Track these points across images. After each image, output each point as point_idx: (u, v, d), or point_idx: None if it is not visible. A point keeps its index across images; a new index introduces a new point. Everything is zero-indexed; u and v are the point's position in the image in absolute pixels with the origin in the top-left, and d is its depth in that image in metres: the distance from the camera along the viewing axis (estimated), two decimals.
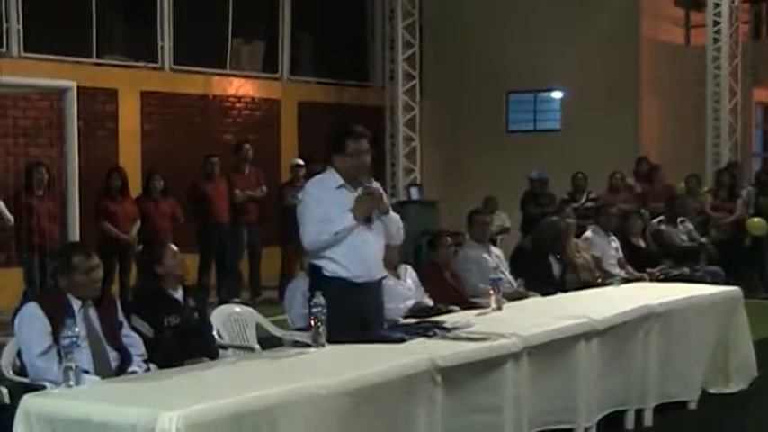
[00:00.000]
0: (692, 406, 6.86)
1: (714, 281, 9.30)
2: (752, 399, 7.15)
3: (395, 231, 5.72)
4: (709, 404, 6.92)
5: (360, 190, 5.51)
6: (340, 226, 5.39)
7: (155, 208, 11.68)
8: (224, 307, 6.76)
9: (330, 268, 5.49)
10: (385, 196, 5.72)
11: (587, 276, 9.10)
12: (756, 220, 12.92)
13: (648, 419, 6.43)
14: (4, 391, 4.94)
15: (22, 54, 12.64)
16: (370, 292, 5.61)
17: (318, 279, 5.47)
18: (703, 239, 11.67)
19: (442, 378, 4.77)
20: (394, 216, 5.70)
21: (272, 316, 7.08)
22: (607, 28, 15.82)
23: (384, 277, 5.81)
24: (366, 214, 5.46)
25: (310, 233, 5.47)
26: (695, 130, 15.52)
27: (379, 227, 5.61)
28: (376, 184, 5.66)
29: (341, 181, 5.53)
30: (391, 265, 6.82)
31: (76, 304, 5.12)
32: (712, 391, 7.10)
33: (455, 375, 4.85)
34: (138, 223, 11.48)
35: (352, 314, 5.36)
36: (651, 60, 16.17)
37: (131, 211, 11.51)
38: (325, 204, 5.44)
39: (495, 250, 8.52)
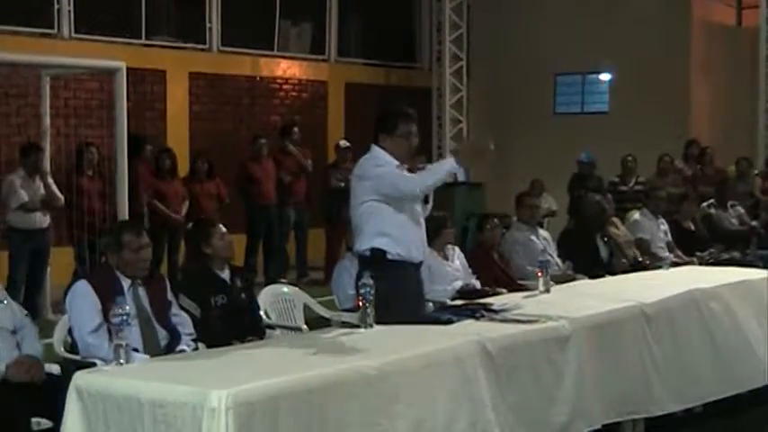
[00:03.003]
0: (745, 393, 6.73)
1: (766, 265, 9.16)
2: None
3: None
4: (762, 391, 6.77)
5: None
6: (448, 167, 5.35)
7: (200, 189, 11.77)
8: (271, 287, 6.79)
9: (394, 251, 5.42)
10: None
11: (632, 253, 9.02)
12: None
13: (699, 406, 6.33)
14: (56, 367, 5.00)
15: (73, 35, 12.74)
16: (419, 271, 5.64)
17: (382, 262, 5.40)
18: (754, 223, 11.51)
19: (490, 360, 4.76)
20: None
21: (319, 297, 7.11)
22: (656, 8, 15.62)
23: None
24: (469, 164, 5.42)
25: (408, 180, 5.40)
26: (747, 112, 15.30)
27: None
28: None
29: (389, 159, 5.51)
30: (442, 246, 6.82)
31: (126, 283, 5.17)
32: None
33: (503, 357, 4.83)
34: (187, 203, 11.58)
35: (414, 294, 5.35)
36: (702, 41, 15.95)
37: (181, 191, 11.60)
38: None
39: (542, 233, 8.47)
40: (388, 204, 5.40)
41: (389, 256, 5.44)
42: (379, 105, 14.43)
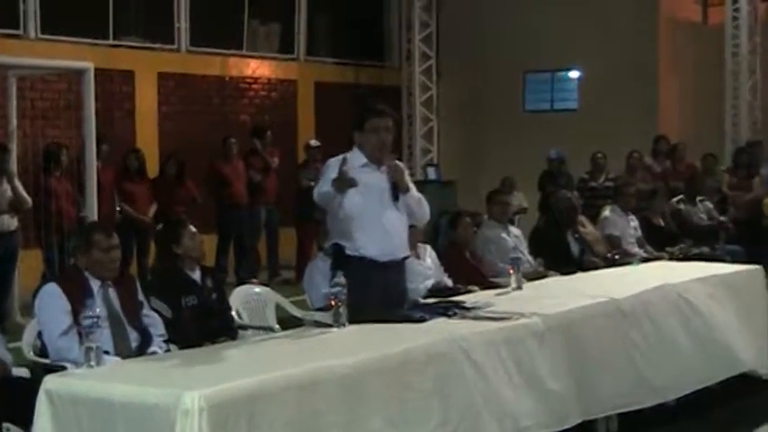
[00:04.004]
0: (715, 385, 6.78)
1: (734, 259, 9.23)
2: None
3: (417, 210, 5.68)
4: (730, 383, 6.85)
5: (383, 168, 5.48)
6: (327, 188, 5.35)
7: (170, 191, 11.71)
8: (243, 287, 6.76)
9: (354, 247, 5.47)
10: (407, 174, 5.68)
11: (602, 249, 9.05)
12: None
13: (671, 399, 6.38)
14: (25, 371, 4.95)
15: (39, 36, 12.63)
16: (393, 271, 5.59)
17: (342, 258, 5.45)
18: (723, 218, 11.60)
19: (464, 357, 4.75)
20: (416, 195, 5.66)
21: (291, 296, 7.08)
22: (624, 6, 15.69)
23: (407, 257, 5.79)
24: (339, 189, 5.36)
25: (318, 187, 5.49)
26: (714, 109, 15.41)
27: (403, 205, 5.58)
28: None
29: (364, 160, 5.50)
30: (413, 245, 6.80)
31: (96, 284, 5.12)
32: (733, 369, 7.01)
33: (476, 355, 4.83)
34: (155, 206, 11.51)
35: (377, 293, 5.35)
36: (669, 39, 16.04)
37: (149, 192, 11.53)
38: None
39: (513, 230, 8.50)
40: (352, 203, 5.39)
41: (349, 252, 5.48)
42: (349, 104, 14.45)
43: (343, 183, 5.30)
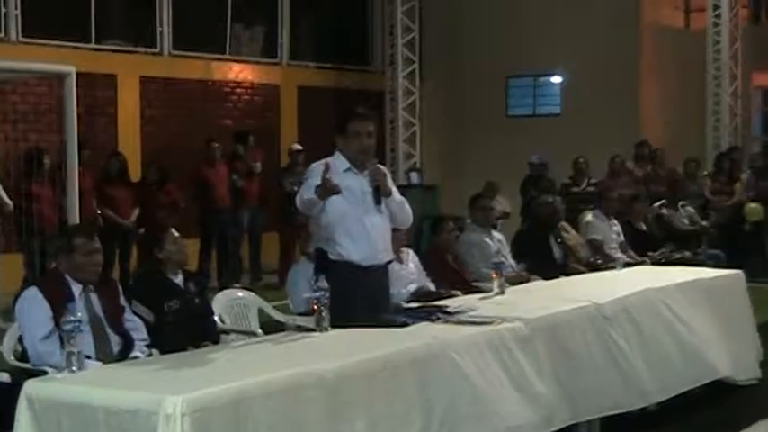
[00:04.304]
0: (697, 390, 6.82)
1: (716, 264, 9.28)
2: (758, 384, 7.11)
3: (399, 214, 5.66)
4: (712, 387, 6.88)
5: (365, 173, 5.46)
6: (311, 196, 5.32)
7: (152, 196, 11.68)
8: (226, 292, 6.75)
9: (336, 252, 5.46)
10: (389, 178, 5.66)
11: (584, 254, 9.08)
12: (753, 206, 12.89)
13: (653, 405, 6.39)
14: (6, 376, 4.92)
15: (21, 39, 12.60)
16: (377, 275, 5.58)
17: (325, 263, 5.44)
18: (705, 223, 11.65)
19: (446, 362, 4.75)
20: (398, 198, 5.65)
21: (274, 301, 7.07)
22: (607, 12, 15.76)
23: (390, 261, 5.78)
24: (322, 196, 5.33)
25: (297, 196, 5.45)
26: (696, 114, 15.48)
27: (386, 209, 5.57)
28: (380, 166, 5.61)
29: (347, 164, 5.49)
30: (396, 249, 6.80)
31: (77, 288, 5.10)
32: (714, 373, 7.05)
33: (458, 359, 4.83)
34: (137, 210, 11.48)
35: (359, 298, 5.34)
36: (651, 44, 16.12)
37: (131, 197, 11.50)
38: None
39: (496, 235, 8.50)
40: (334, 208, 5.39)
41: (332, 256, 5.46)
42: (332, 109, 14.45)
43: (327, 190, 5.28)
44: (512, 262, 8.12)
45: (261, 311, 6.56)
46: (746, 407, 6.61)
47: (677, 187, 11.73)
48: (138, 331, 5.27)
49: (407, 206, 5.72)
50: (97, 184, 11.28)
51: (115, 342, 5.12)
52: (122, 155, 11.86)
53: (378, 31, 17.44)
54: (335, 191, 5.29)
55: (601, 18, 15.69)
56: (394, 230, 5.77)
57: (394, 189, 5.64)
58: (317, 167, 5.46)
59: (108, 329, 5.12)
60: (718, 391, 6.84)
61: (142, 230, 11.33)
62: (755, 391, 6.96)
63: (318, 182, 5.30)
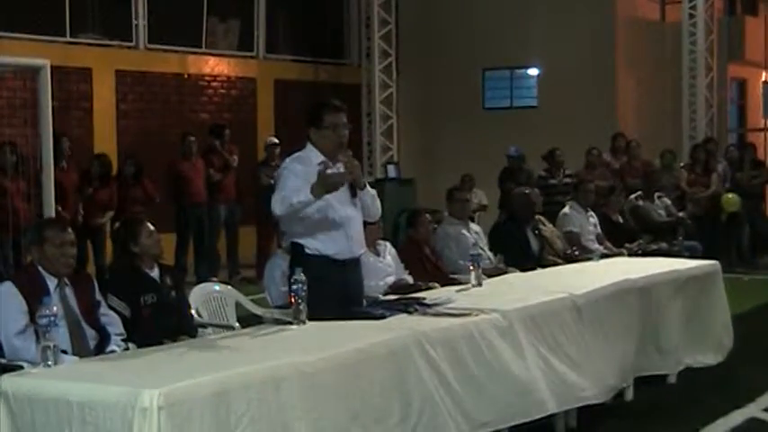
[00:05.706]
0: (672, 380, 6.88)
1: (692, 255, 9.32)
2: (729, 371, 7.17)
3: (371, 206, 5.63)
4: (687, 377, 6.94)
5: (338, 165, 5.41)
6: (304, 198, 5.20)
7: (127, 191, 11.65)
8: (203, 285, 6.71)
9: (312, 246, 5.43)
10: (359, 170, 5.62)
11: (561, 246, 9.09)
12: (730, 196, 12.97)
13: (629, 394, 6.44)
14: None
15: None
16: (351, 268, 5.57)
17: (300, 257, 5.41)
18: (681, 214, 11.70)
19: (424, 354, 4.76)
20: (371, 191, 5.63)
21: (251, 294, 7.05)
22: (582, 4, 15.81)
23: (362, 253, 5.77)
24: (324, 193, 5.23)
25: (276, 200, 5.30)
26: (671, 105, 15.56)
27: (359, 202, 5.55)
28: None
29: (321, 157, 5.44)
30: (371, 242, 6.79)
31: (52, 283, 5.06)
32: (689, 362, 7.09)
33: (436, 351, 4.83)
34: (111, 213, 11.46)
35: (336, 291, 5.32)
36: (627, 36, 16.18)
37: (106, 198, 11.48)
38: (302, 178, 5.28)
39: (473, 227, 8.50)
40: (321, 203, 5.34)
41: (308, 250, 5.43)
42: (309, 102, 14.40)
43: (330, 187, 5.15)
44: (489, 254, 8.12)
45: (238, 305, 6.54)
46: (720, 395, 6.65)
47: (653, 179, 11.76)
48: (114, 326, 5.23)
49: (377, 198, 5.70)
50: (79, 186, 11.29)
51: (91, 336, 5.09)
52: (107, 156, 11.85)
53: (354, 25, 17.42)
54: (337, 186, 5.22)
55: (577, 10, 15.73)
56: (366, 223, 5.75)
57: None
58: (294, 166, 5.40)
59: (84, 324, 5.08)
60: (693, 379, 6.89)
61: (117, 225, 11.28)
62: (729, 379, 7.01)
63: (301, 183, 5.23)
